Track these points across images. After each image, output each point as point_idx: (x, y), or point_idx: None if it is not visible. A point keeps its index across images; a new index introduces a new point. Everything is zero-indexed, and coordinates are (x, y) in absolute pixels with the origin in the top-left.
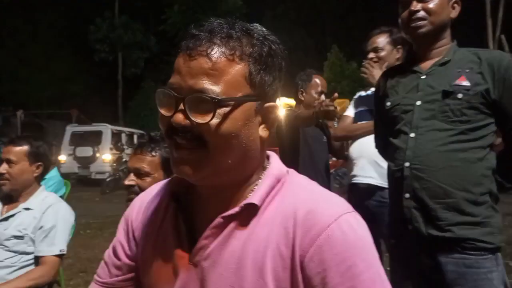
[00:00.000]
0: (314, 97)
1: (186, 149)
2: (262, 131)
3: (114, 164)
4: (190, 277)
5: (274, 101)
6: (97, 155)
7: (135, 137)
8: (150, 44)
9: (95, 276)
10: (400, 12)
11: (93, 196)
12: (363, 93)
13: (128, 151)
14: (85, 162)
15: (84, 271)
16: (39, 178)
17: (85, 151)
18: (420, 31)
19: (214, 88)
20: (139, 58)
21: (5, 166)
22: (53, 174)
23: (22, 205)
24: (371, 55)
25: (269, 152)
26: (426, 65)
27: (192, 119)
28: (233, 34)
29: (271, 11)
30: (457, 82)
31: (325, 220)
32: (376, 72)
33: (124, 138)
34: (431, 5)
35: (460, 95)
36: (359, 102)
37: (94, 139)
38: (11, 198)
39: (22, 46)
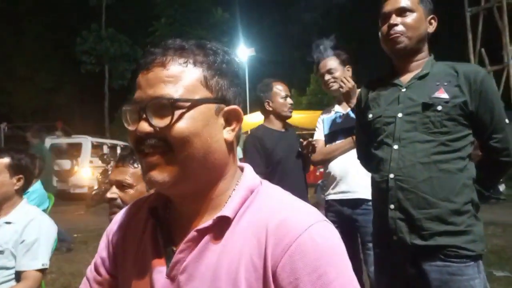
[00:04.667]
0: (281, 102)
1: (153, 155)
2: (226, 134)
3: (100, 177)
4: None
5: (236, 105)
6: (76, 168)
7: (118, 149)
8: (137, 56)
9: None
10: (380, 25)
11: (77, 210)
12: (327, 115)
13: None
14: (64, 175)
15: (67, 286)
16: (21, 191)
17: (64, 164)
18: (398, 46)
19: (171, 93)
20: (126, 70)
21: None
22: (36, 187)
23: (3, 219)
24: (327, 77)
25: (243, 164)
26: (406, 78)
27: (154, 124)
28: (185, 46)
29: (258, 25)
30: (436, 94)
31: (296, 230)
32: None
33: (106, 150)
34: (409, 20)
35: (439, 107)
36: (328, 124)
37: (73, 151)
38: None
39: (7, 57)
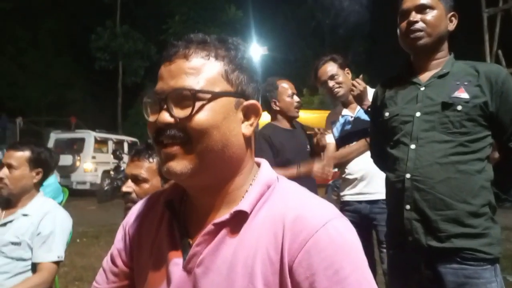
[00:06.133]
0: (288, 101)
1: (172, 146)
2: (245, 128)
3: (112, 173)
4: (183, 284)
5: (255, 100)
6: (78, 164)
7: (125, 144)
8: (151, 53)
9: (94, 283)
10: (398, 22)
11: (89, 204)
12: (336, 119)
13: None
14: (65, 171)
15: (79, 279)
16: (38, 184)
17: (66, 159)
18: (418, 43)
19: (193, 84)
20: (139, 67)
21: (5, 170)
22: (51, 181)
23: (20, 211)
24: (331, 83)
25: (260, 159)
26: (425, 76)
27: (174, 114)
28: (207, 39)
29: (271, 23)
30: (456, 94)
31: (313, 225)
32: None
33: (111, 145)
34: (429, 17)
35: (459, 107)
36: (339, 128)
37: (76, 146)
38: (10, 203)
39: (22, 53)
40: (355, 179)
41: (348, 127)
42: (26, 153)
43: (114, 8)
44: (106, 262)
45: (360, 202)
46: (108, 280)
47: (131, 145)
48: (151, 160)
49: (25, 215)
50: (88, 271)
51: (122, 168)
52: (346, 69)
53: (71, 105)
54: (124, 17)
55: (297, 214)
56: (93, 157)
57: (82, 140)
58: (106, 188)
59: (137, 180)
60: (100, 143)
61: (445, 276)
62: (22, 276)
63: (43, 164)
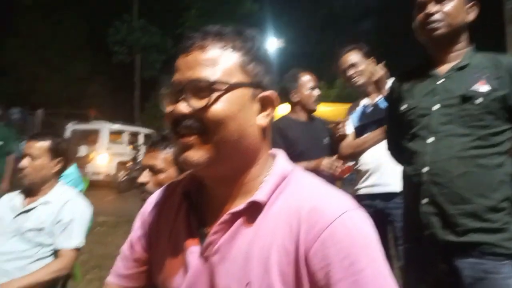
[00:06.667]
0: (307, 94)
1: (189, 136)
2: (261, 119)
3: (130, 164)
4: (200, 272)
5: (271, 91)
6: (92, 155)
7: (141, 136)
8: (167, 46)
9: (113, 268)
10: (415, 14)
11: (107, 195)
12: (355, 109)
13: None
14: (80, 162)
15: (98, 267)
16: (58, 174)
17: (81, 150)
18: (436, 33)
19: (209, 75)
20: (156, 60)
21: (26, 160)
22: (71, 170)
23: (41, 199)
24: (350, 71)
25: (276, 151)
26: (443, 69)
27: (191, 105)
28: (224, 31)
29: (287, 16)
30: (476, 87)
31: (329, 216)
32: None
33: (126, 137)
34: (447, 8)
35: (478, 100)
36: (357, 117)
37: (91, 138)
38: (31, 191)
39: (42, 47)
40: (368, 170)
41: (366, 116)
42: (46, 143)
43: (132, 2)
44: (125, 248)
45: (374, 196)
46: (127, 266)
47: (147, 137)
48: (167, 151)
49: (46, 203)
50: (107, 259)
51: (139, 160)
52: (371, 58)
53: (90, 98)
54: (142, 11)
55: (313, 204)
56: (108, 148)
57: (97, 132)
58: (123, 178)
59: (153, 170)
60: (115, 135)
61: (462, 271)
62: (44, 261)
63: (63, 154)
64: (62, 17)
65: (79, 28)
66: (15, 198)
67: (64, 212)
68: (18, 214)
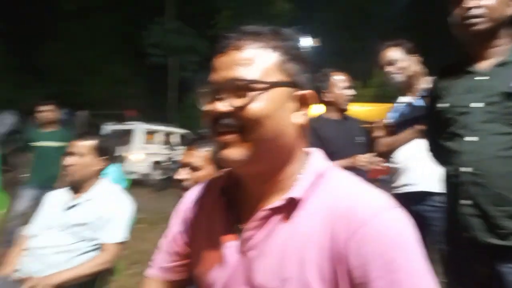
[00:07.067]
0: (338, 94)
1: (227, 134)
2: (298, 118)
3: (166, 163)
4: (237, 266)
5: (308, 89)
6: (127, 154)
7: (175, 136)
8: (201, 48)
9: (154, 261)
10: (451, 9)
11: (146, 193)
12: (396, 106)
13: (180, 150)
14: (117, 161)
15: (138, 262)
16: (102, 171)
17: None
18: (475, 29)
19: (247, 74)
20: (190, 61)
21: (73, 158)
22: (114, 169)
23: (86, 195)
24: (388, 68)
25: (312, 149)
26: (483, 65)
27: (229, 104)
28: (261, 31)
29: (319, 15)
30: None
31: (367, 214)
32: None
33: (160, 136)
34: (487, 1)
35: None
36: (394, 116)
37: (126, 138)
38: (77, 188)
39: (81, 51)
40: (397, 170)
41: (404, 114)
42: (92, 142)
43: (167, 5)
44: (165, 242)
45: (406, 197)
46: (167, 259)
47: (181, 137)
48: (204, 149)
49: (90, 199)
50: (146, 255)
51: (175, 159)
52: (414, 55)
53: (128, 100)
54: (176, 14)
55: (351, 202)
56: (143, 148)
57: (132, 132)
58: (160, 177)
59: (191, 168)
60: (150, 135)
61: (505, 276)
62: (88, 255)
63: (107, 152)
64: (101, 21)
65: (117, 31)
66: (62, 194)
67: (108, 208)
68: (65, 209)
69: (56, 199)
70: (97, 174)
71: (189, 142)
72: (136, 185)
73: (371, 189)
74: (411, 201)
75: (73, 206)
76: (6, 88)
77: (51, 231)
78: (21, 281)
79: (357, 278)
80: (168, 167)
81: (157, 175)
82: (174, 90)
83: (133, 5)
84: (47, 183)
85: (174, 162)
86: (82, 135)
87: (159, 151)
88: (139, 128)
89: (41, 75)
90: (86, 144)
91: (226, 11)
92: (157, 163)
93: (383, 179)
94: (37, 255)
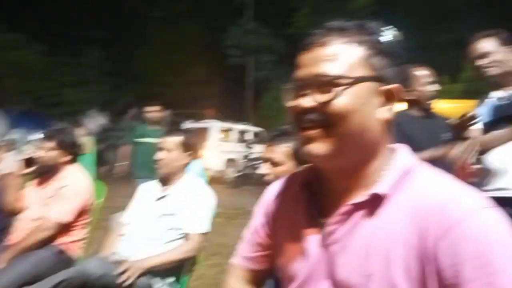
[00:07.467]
0: (421, 90)
1: (312, 129)
2: (383, 113)
3: (244, 160)
4: (320, 259)
5: (395, 84)
6: (203, 151)
7: (250, 134)
8: (279, 47)
9: (238, 250)
10: None
11: (224, 189)
12: (484, 103)
13: (256, 148)
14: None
15: (216, 254)
16: (187, 165)
17: None
18: None
19: (332, 70)
20: (268, 61)
21: (163, 153)
22: (196, 163)
23: (174, 187)
24: (480, 62)
25: (398, 145)
26: None
27: (315, 99)
28: (346, 26)
29: (403, 7)
30: None
31: (461, 213)
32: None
33: (235, 134)
34: None
35: None
36: (488, 112)
37: (202, 135)
38: (166, 180)
39: (168, 54)
40: (492, 172)
41: (499, 110)
42: (179, 139)
43: (246, 7)
44: (249, 233)
45: (501, 201)
46: (251, 249)
47: (255, 135)
48: (285, 145)
49: (178, 191)
50: (224, 247)
51: (252, 157)
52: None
53: (208, 99)
54: (255, 15)
55: (444, 200)
56: (218, 146)
57: (207, 130)
58: (235, 175)
59: (272, 163)
60: (225, 132)
61: None
62: (175, 243)
63: (192, 147)
64: (185, 25)
65: (199, 34)
66: (153, 185)
67: (193, 200)
68: (155, 200)
69: (148, 190)
70: (183, 168)
71: (271, 138)
72: (211, 181)
73: (466, 187)
74: (508, 206)
75: (162, 197)
76: (103, 90)
77: (143, 219)
78: (118, 262)
79: (448, 279)
80: (243, 165)
81: (231, 172)
82: (250, 90)
83: (213, 10)
84: (149, 176)
85: (250, 159)
86: (170, 132)
87: (233, 149)
88: (214, 126)
89: (132, 78)
90: (173, 140)
91: (304, 8)
92: (231, 160)
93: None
94: (131, 241)
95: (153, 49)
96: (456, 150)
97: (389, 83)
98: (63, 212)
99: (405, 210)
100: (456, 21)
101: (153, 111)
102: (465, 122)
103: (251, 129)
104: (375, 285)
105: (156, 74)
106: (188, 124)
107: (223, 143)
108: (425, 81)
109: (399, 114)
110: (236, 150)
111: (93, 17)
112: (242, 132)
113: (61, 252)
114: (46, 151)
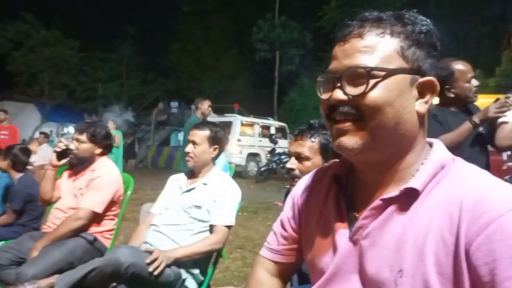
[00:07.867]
0: (465, 87)
1: (344, 122)
2: (419, 106)
3: (269, 155)
4: (349, 253)
5: (432, 77)
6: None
7: (272, 129)
8: (306, 41)
9: (266, 242)
10: None
11: (247, 184)
12: None
13: (283, 143)
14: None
15: (241, 247)
16: (214, 159)
17: None
18: None
19: (367, 62)
20: (295, 55)
21: (190, 146)
22: (221, 157)
23: (201, 180)
24: None
25: (433, 140)
26: None
27: (348, 92)
28: (382, 16)
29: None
30: None
31: (497, 209)
32: None
33: (257, 129)
34: None
35: None
36: None
37: (225, 130)
38: (193, 173)
39: (197, 49)
40: None
41: None
42: (206, 132)
43: (274, 1)
44: (277, 226)
45: None
46: (278, 242)
47: (278, 130)
48: (313, 139)
49: (204, 184)
50: (248, 241)
51: (277, 151)
52: None
53: (235, 94)
54: (283, 9)
55: (479, 196)
56: (239, 140)
57: (229, 124)
58: (258, 169)
59: (299, 157)
60: (246, 127)
61: None
62: (202, 235)
63: (219, 141)
64: (214, 21)
65: (227, 30)
66: (181, 178)
67: (220, 193)
68: (183, 192)
69: (177, 182)
70: (211, 161)
71: (298, 133)
72: (234, 175)
73: (502, 183)
74: None
75: (191, 189)
76: (134, 85)
77: (172, 210)
78: (148, 252)
79: (483, 277)
80: (267, 159)
81: (253, 167)
82: (277, 84)
83: (242, 4)
84: None
85: (274, 154)
86: (199, 126)
87: (256, 143)
88: (237, 120)
89: (163, 73)
90: (202, 133)
91: (334, 1)
92: (252, 155)
93: (507, 179)
94: (160, 231)
95: (183, 44)
96: (492, 107)
97: (425, 76)
98: (96, 202)
99: (439, 206)
100: (490, 13)
101: (205, 105)
102: (501, 104)
103: (274, 124)
104: (406, 280)
105: (186, 69)
106: (211, 118)
107: (245, 137)
108: (468, 77)
109: (434, 107)
110: (259, 145)
111: (125, 13)
112: (265, 127)
113: (93, 241)
114: (79, 144)
